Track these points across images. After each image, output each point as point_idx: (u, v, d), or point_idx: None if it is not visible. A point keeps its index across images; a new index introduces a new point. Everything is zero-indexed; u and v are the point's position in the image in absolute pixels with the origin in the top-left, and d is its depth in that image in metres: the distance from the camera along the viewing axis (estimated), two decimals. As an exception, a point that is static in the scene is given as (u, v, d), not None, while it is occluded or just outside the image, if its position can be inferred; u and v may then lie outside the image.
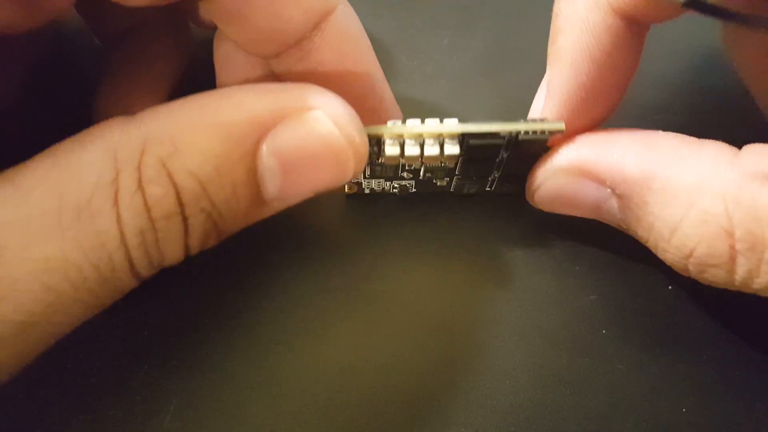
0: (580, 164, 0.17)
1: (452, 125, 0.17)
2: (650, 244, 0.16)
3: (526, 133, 0.17)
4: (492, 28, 0.24)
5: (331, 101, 0.15)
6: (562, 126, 0.17)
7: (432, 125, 0.17)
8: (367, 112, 0.19)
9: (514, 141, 0.17)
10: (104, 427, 0.17)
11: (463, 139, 0.17)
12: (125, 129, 0.14)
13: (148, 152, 0.13)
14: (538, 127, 0.17)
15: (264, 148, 0.14)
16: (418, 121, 0.17)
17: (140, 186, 0.13)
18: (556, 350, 0.18)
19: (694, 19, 0.24)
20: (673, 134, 0.16)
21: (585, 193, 0.17)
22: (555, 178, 0.17)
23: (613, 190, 0.16)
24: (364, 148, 0.16)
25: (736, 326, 0.18)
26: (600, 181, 0.16)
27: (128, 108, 0.19)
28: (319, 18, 0.17)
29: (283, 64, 0.18)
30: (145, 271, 0.14)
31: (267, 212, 0.16)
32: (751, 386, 0.18)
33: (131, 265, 0.14)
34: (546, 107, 0.18)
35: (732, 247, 0.14)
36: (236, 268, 0.19)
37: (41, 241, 0.13)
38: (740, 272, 0.14)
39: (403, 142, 0.17)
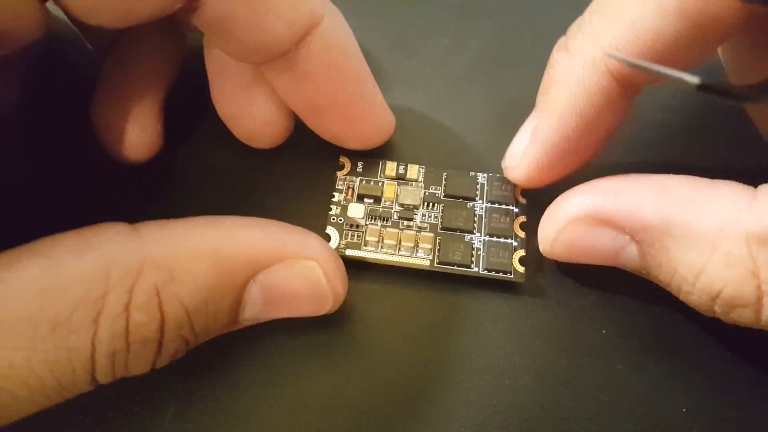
0: (596, 213, 0.16)
1: (421, 261, 0.19)
2: (672, 288, 0.16)
3: (487, 275, 0.19)
4: (492, 28, 0.24)
5: (327, 255, 0.16)
6: (521, 279, 0.18)
7: (402, 257, 0.19)
8: (357, 119, 0.19)
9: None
10: (104, 427, 0.17)
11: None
12: (126, 245, 0.14)
13: (144, 276, 0.13)
14: (498, 277, 0.18)
15: (253, 283, 0.15)
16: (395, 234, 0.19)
17: (127, 309, 0.13)
18: (556, 350, 0.18)
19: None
20: (685, 177, 0.16)
21: (603, 242, 0.17)
22: (570, 230, 0.17)
23: (632, 237, 0.16)
24: (344, 296, 0.17)
25: (736, 327, 0.18)
26: (618, 228, 0.16)
27: (125, 113, 0.19)
28: (304, 32, 0.17)
29: (271, 71, 0.18)
30: (105, 381, 0.14)
31: (236, 328, 0.16)
32: (751, 386, 0.18)
33: (92, 378, 0.14)
34: (528, 153, 0.18)
35: (758, 288, 0.14)
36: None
37: (10, 347, 0.12)
38: (767, 312, 0.14)
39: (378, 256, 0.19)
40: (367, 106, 0.19)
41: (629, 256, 0.17)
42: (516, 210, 0.19)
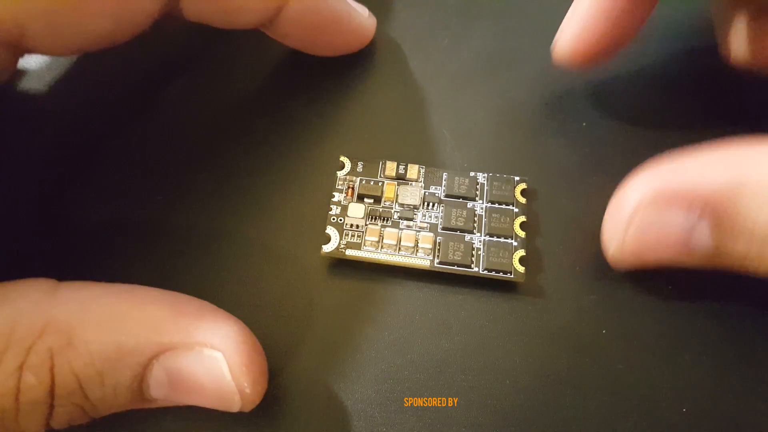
0: (664, 190, 0.16)
1: (421, 261, 0.19)
2: (751, 257, 0.15)
3: (487, 275, 0.19)
4: (492, 28, 0.24)
5: (237, 347, 0.15)
6: (521, 279, 0.18)
7: (403, 258, 0.19)
8: (337, 43, 0.22)
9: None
10: (103, 427, 0.17)
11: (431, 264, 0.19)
12: (37, 304, 0.14)
13: (43, 338, 0.13)
14: (498, 277, 0.18)
15: (156, 363, 0.14)
16: (395, 235, 0.19)
17: (20, 369, 0.13)
18: (556, 350, 0.18)
19: (693, 21, 0.24)
20: (732, 143, 0.16)
21: (675, 224, 0.16)
22: (641, 217, 0.16)
23: (702, 211, 0.15)
24: (255, 397, 0.15)
25: (736, 326, 0.18)
26: (688, 203, 0.16)
27: None
28: (274, 13, 0.19)
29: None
30: None
31: (153, 406, 0.16)
32: (751, 386, 0.18)
33: None
34: (571, 20, 0.20)
35: None
36: (231, 272, 0.19)
37: None
38: None
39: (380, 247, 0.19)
40: (346, 31, 0.21)
41: (701, 235, 0.16)
42: (516, 210, 0.20)
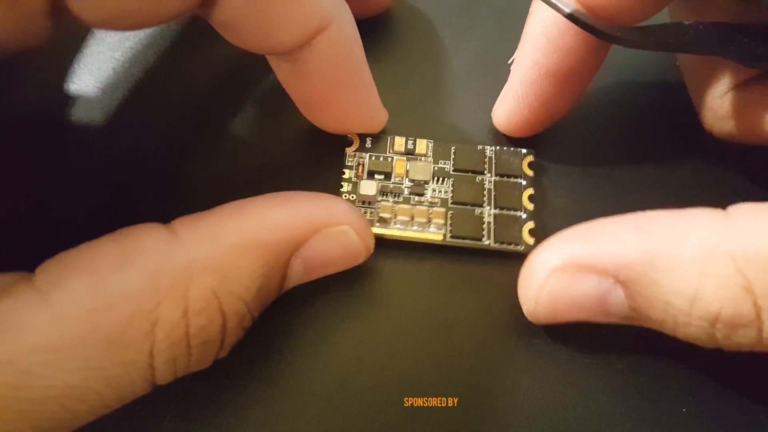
0: (575, 259, 0.16)
1: (434, 235, 0.19)
2: (667, 324, 0.15)
3: (498, 248, 0.19)
4: (492, 28, 0.24)
5: (355, 216, 0.17)
6: (531, 251, 0.18)
7: (416, 233, 0.19)
8: (348, 117, 0.20)
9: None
10: (104, 427, 0.17)
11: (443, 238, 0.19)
12: (168, 253, 0.14)
13: (195, 281, 0.14)
14: (508, 249, 0.19)
15: (294, 258, 0.16)
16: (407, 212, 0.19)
17: (185, 316, 0.13)
18: (556, 350, 0.18)
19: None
20: (656, 211, 0.16)
21: (588, 290, 0.16)
22: (552, 282, 0.16)
23: (616, 279, 0.16)
24: (373, 246, 0.18)
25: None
26: (601, 272, 0.16)
27: None
28: (308, 38, 0.17)
29: (274, 58, 0.18)
30: (165, 382, 0.14)
31: (284, 291, 0.17)
32: (751, 386, 0.18)
33: (152, 383, 0.14)
34: (505, 94, 0.21)
35: (755, 304, 0.14)
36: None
37: (67, 370, 0.12)
38: None
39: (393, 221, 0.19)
40: (360, 108, 0.20)
41: (616, 300, 0.16)
42: (524, 183, 0.20)
